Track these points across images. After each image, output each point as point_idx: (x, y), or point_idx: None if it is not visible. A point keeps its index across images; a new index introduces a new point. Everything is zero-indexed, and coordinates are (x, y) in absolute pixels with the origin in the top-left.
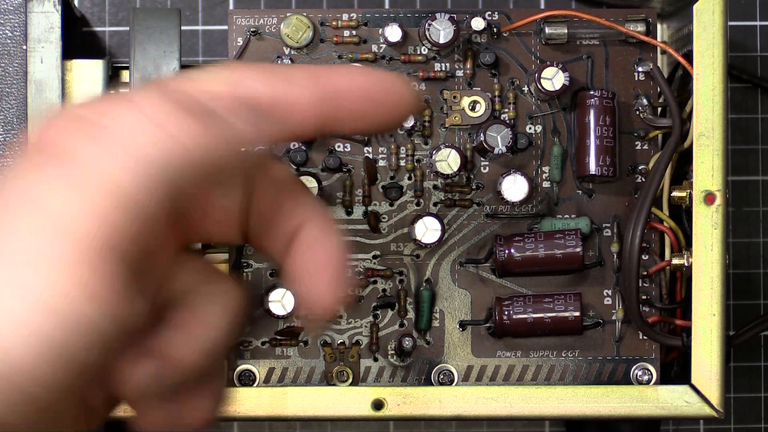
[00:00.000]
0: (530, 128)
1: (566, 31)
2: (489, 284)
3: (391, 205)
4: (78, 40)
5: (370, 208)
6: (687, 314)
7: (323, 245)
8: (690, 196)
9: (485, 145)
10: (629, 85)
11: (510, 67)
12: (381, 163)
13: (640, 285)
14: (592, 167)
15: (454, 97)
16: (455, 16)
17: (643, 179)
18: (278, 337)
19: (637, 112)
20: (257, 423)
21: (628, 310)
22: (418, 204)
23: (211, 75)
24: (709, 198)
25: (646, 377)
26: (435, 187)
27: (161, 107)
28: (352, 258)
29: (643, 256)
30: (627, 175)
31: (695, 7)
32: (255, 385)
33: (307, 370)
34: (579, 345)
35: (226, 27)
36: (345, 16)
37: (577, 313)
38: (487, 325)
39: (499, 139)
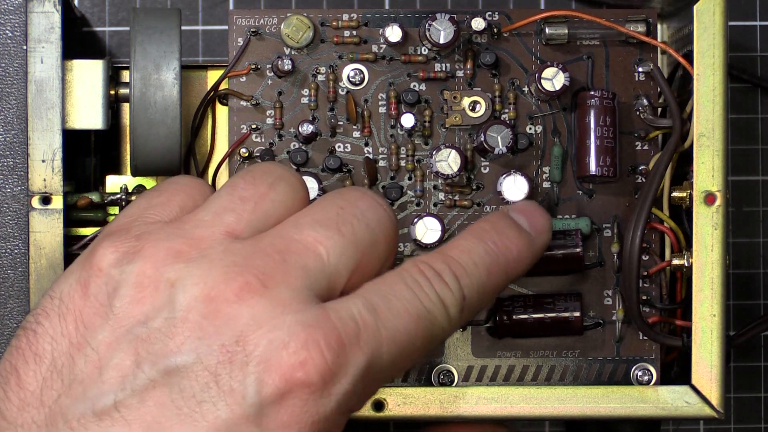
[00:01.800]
0: (530, 128)
1: (566, 31)
2: None
3: (392, 205)
4: (78, 40)
5: None
6: (687, 315)
7: None
8: (690, 196)
9: (485, 145)
10: (629, 86)
11: (510, 67)
12: (381, 163)
13: (641, 285)
14: (593, 167)
15: (455, 98)
16: (455, 16)
17: (644, 179)
18: None
19: (638, 113)
20: None
21: (628, 311)
22: (418, 204)
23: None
24: (709, 198)
25: (646, 377)
26: (435, 187)
27: None
28: None
29: (643, 257)
30: (627, 175)
31: (696, 7)
32: None
33: None
34: (579, 345)
35: (226, 27)
36: (345, 17)
37: (578, 314)
38: (487, 325)
39: (499, 139)
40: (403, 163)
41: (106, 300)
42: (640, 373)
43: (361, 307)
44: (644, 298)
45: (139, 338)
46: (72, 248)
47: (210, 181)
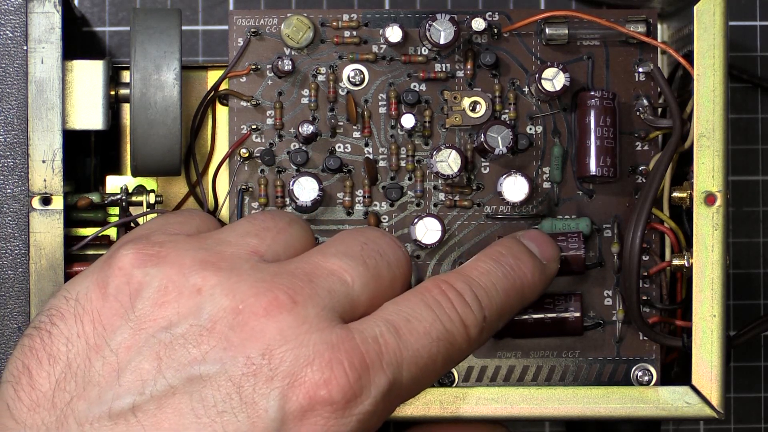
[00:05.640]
0: (531, 129)
1: (567, 31)
2: None
3: (392, 205)
4: (78, 40)
5: (370, 209)
6: (687, 315)
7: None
8: (690, 196)
9: (486, 145)
10: (630, 86)
11: (510, 67)
12: (381, 163)
13: (641, 285)
14: (593, 168)
15: (455, 98)
16: (456, 16)
17: (644, 180)
18: None
19: (638, 113)
20: None
21: (628, 311)
22: (418, 205)
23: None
24: (709, 199)
25: (646, 378)
26: (435, 187)
27: None
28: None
29: (643, 257)
30: (627, 175)
31: (696, 8)
32: None
33: None
34: (579, 345)
35: (226, 27)
36: (345, 17)
37: (578, 314)
38: None
39: (499, 139)
40: (403, 163)
41: (128, 301)
42: (640, 374)
43: (383, 329)
44: (644, 298)
45: (161, 343)
46: (72, 249)
47: (210, 181)
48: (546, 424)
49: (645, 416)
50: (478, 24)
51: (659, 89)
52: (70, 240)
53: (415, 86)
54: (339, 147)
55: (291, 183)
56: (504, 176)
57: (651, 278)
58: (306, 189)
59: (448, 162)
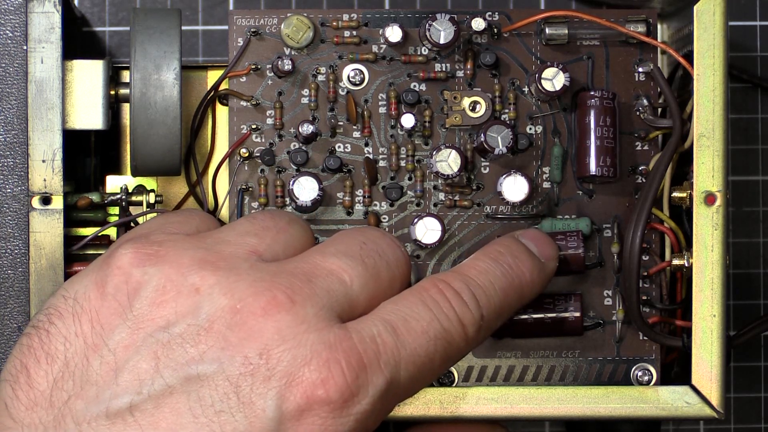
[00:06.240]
0: (531, 129)
1: (567, 31)
2: None
3: (392, 205)
4: (78, 40)
5: (370, 209)
6: (687, 315)
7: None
8: (690, 196)
9: (486, 145)
10: (629, 86)
11: (510, 67)
12: (381, 163)
13: (641, 285)
14: (593, 168)
15: (455, 98)
16: (456, 16)
17: (644, 180)
18: None
19: (638, 113)
20: None
21: (628, 311)
22: (418, 204)
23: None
24: (709, 199)
25: (646, 378)
26: (435, 187)
27: None
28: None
29: (643, 257)
30: (627, 175)
31: (696, 7)
32: None
33: None
34: (579, 345)
35: (226, 27)
36: (345, 17)
37: (578, 314)
38: None
39: (499, 139)
40: (403, 163)
41: (126, 300)
42: (640, 374)
43: (381, 328)
44: (644, 298)
45: (159, 342)
46: (72, 248)
47: (210, 181)
48: (546, 424)
49: (645, 416)
50: (478, 24)
51: (659, 89)
52: (70, 240)
53: (415, 86)
54: (339, 147)
55: (291, 183)
56: (504, 176)
57: (651, 278)
58: (306, 189)
59: (448, 162)
